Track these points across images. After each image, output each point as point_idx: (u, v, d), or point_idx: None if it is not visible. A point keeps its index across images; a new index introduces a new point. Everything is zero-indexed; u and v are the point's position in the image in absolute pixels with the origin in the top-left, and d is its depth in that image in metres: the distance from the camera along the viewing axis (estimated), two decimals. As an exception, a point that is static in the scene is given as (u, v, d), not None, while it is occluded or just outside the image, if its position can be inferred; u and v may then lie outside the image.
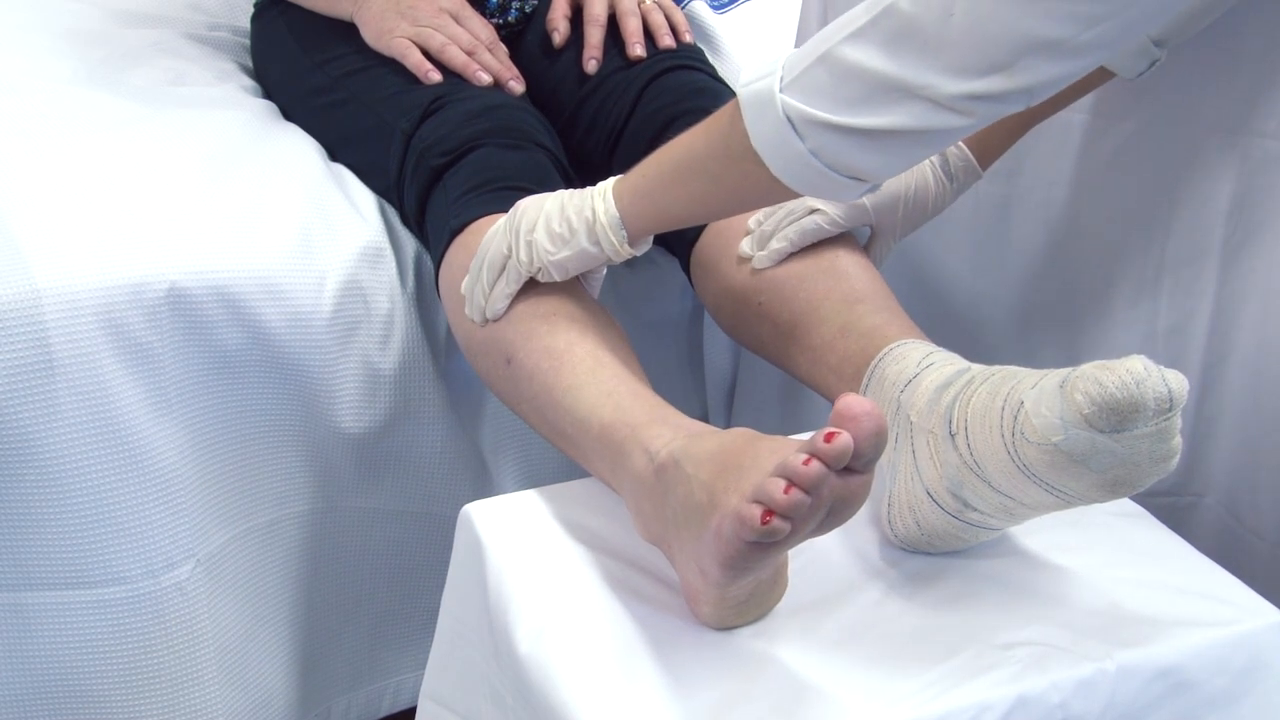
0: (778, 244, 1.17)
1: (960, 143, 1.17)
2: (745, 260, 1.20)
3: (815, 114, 0.89)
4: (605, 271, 1.15)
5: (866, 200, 1.17)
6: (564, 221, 1.06)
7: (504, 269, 1.10)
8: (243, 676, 1.28)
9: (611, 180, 1.06)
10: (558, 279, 1.09)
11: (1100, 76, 1.12)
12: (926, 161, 1.17)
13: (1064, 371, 0.87)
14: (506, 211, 1.19)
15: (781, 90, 0.91)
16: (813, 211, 1.16)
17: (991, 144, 1.16)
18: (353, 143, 1.39)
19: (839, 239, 1.19)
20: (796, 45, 1.46)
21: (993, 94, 0.87)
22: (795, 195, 0.95)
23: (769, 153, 0.92)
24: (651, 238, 1.07)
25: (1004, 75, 0.86)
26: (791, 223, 1.17)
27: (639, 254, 1.07)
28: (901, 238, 1.21)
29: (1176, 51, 1.11)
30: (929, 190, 1.18)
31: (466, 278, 1.14)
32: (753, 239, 1.19)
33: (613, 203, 1.04)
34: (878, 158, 0.91)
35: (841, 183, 0.92)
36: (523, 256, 1.08)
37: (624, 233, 1.04)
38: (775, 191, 0.95)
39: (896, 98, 0.87)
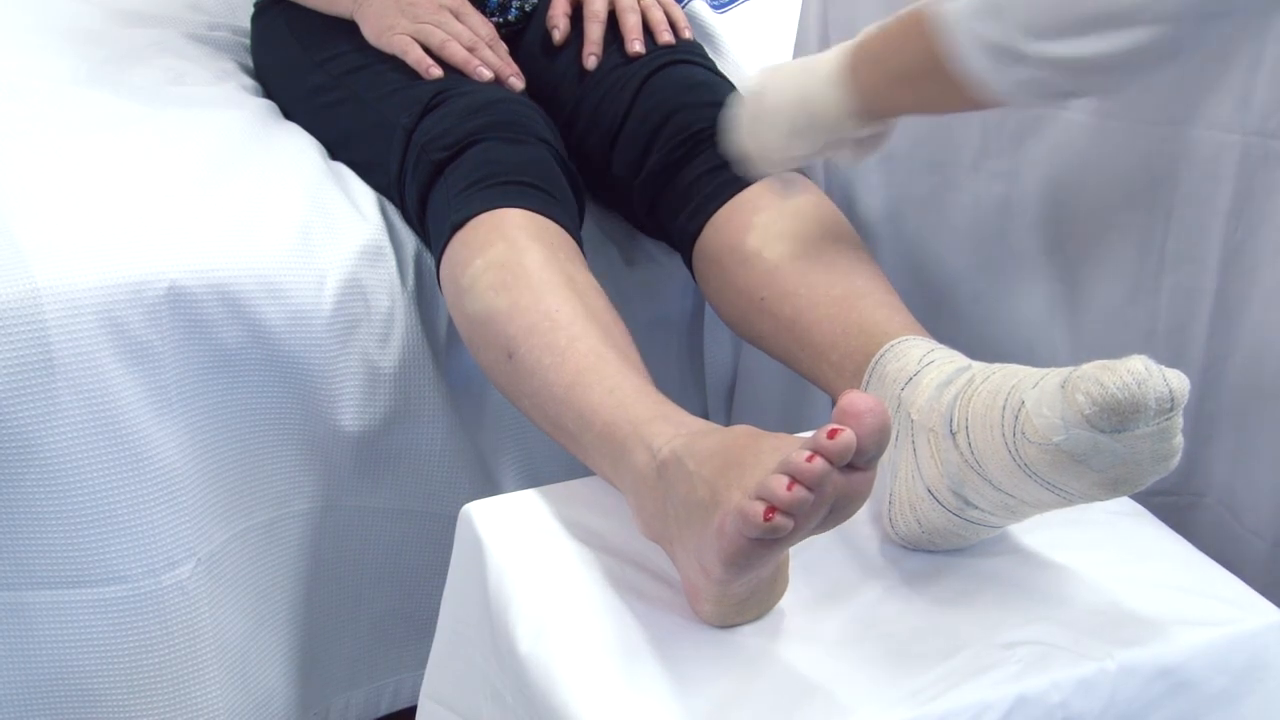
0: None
1: None
2: (748, 257, 1.20)
3: (1032, 44, 0.89)
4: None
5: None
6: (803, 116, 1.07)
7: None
8: (243, 675, 1.28)
9: (849, 60, 1.05)
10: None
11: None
12: None
13: (1065, 371, 0.87)
14: (507, 206, 1.19)
15: (993, 16, 0.91)
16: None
17: None
18: (353, 140, 1.40)
19: (841, 234, 1.19)
20: (796, 46, 1.47)
21: None
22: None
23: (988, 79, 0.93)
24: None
25: None
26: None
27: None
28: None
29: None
30: None
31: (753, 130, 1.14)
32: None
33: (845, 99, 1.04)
34: (1101, 82, 0.92)
35: (1059, 101, 0.92)
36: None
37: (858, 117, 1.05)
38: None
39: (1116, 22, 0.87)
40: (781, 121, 1.09)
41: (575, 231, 1.24)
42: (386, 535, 1.36)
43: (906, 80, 1.01)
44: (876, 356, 1.07)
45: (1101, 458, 0.85)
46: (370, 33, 1.41)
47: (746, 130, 1.14)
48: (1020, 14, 0.90)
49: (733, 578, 0.86)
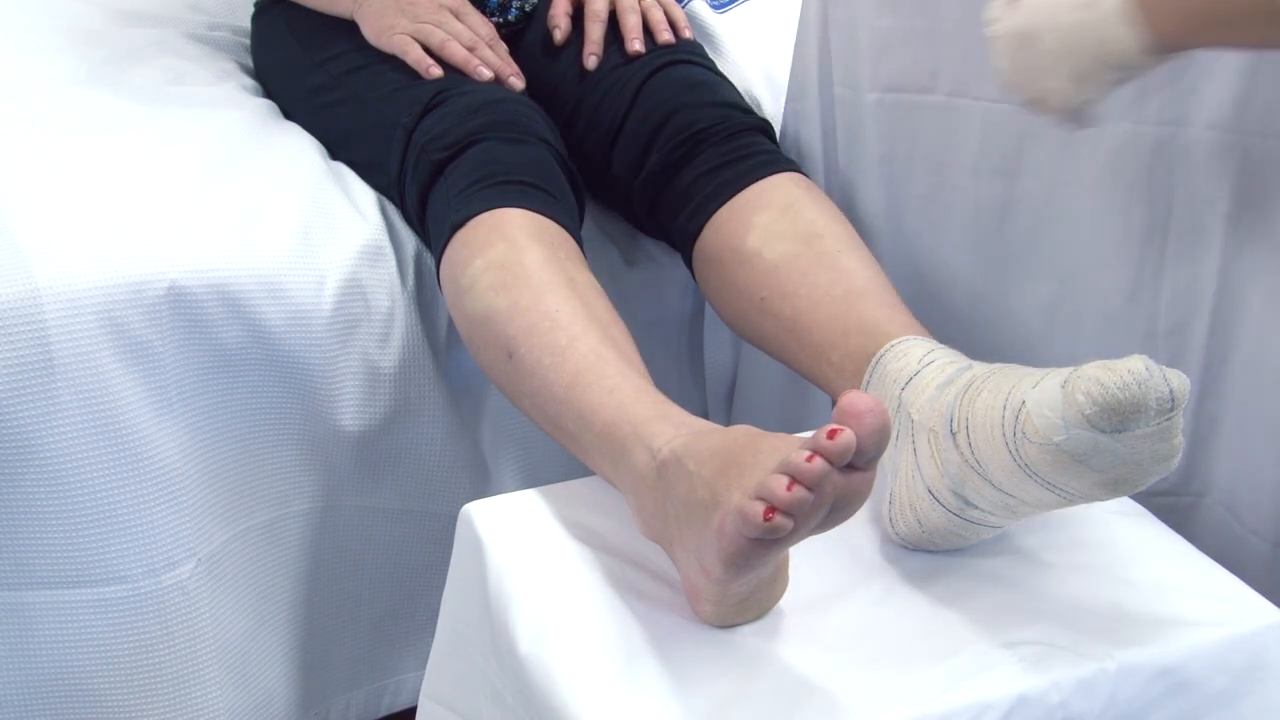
0: None
1: None
2: (748, 257, 1.20)
3: None
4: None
5: None
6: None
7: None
8: (243, 675, 1.28)
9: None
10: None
11: None
12: None
13: (1065, 371, 0.87)
14: (508, 206, 1.19)
15: None
16: None
17: None
18: (353, 140, 1.40)
19: (841, 234, 1.20)
20: (796, 46, 1.47)
21: None
22: None
23: None
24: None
25: None
26: None
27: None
28: None
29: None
30: None
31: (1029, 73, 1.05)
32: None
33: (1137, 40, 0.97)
34: None
35: None
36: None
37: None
38: None
39: None
40: (1062, 66, 1.01)
41: (575, 231, 1.24)
42: (386, 535, 1.36)
43: (1220, 21, 0.94)
44: (877, 356, 1.07)
45: (1102, 458, 0.85)
46: (370, 33, 1.41)
47: (1018, 76, 1.04)
48: None
49: (733, 578, 0.86)
